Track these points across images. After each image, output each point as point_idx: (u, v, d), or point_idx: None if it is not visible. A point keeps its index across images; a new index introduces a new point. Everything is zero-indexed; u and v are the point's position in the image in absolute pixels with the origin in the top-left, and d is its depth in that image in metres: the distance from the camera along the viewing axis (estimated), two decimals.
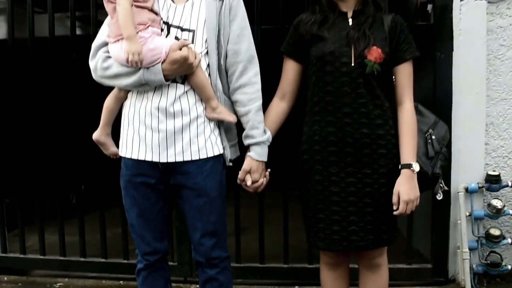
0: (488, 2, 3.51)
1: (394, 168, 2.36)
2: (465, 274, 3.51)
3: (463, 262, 3.52)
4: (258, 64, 2.37)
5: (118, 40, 2.12)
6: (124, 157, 2.31)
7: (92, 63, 2.27)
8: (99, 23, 2.58)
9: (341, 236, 2.37)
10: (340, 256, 2.54)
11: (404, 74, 2.37)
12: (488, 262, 3.53)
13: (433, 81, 3.51)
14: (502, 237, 3.52)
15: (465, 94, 3.53)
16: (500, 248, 3.58)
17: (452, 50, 3.51)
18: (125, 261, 3.90)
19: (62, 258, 3.99)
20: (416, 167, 2.33)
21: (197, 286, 3.53)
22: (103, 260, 3.94)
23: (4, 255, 4.12)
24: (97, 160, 3.68)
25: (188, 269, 3.75)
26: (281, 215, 3.70)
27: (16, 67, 3.95)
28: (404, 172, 2.33)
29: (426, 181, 2.43)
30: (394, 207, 2.34)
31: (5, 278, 4.03)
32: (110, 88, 2.36)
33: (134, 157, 2.25)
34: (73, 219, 3.95)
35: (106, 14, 2.28)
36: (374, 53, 2.27)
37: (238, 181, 2.38)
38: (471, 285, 3.50)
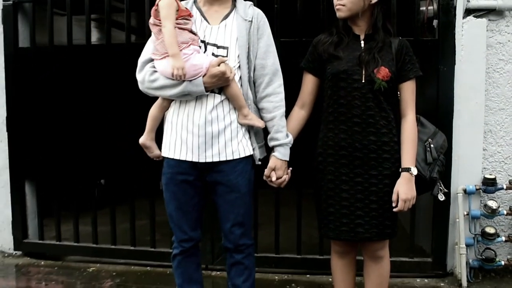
0: (488, 20, 3.80)
1: (396, 171, 2.68)
2: (461, 268, 3.78)
3: (460, 257, 3.79)
4: (281, 77, 2.72)
5: (164, 57, 2.48)
6: (167, 158, 2.66)
7: (139, 76, 2.62)
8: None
9: (349, 227, 2.69)
10: (348, 245, 2.84)
11: (408, 91, 2.71)
12: (483, 257, 3.81)
13: (436, 92, 3.77)
14: (496, 235, 3.80)
15: (465, 104, 3.80)
16: (495, 245, 3.85)
17: (454, 63, 3.78)
18: (152, 249, 4.23)
19: (94, 245, 4.33)
20: (414, 171, 2.66)
21: (218, 273, 3.92)
22: (132, 247, 4.27)
23: (41, 241, 4.48)
24: (127, 158, 4.07)
25: (210, 258, 4.05)
26: (294, 213, 4.00)
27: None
28: (403, 174, 2.66)
29: (424, 184, 2.76)
30: (394, 204, 2.66)
31: (42, 263, 4.38)
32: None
33: (177, 157, 2.61)
34: (105, 209, 4.29)
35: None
36: (382, 72, 2.61)
37: (264, 177, 2.73)
38: (467, 278, 3.78)
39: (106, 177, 4.48)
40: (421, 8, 4.24)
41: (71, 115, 4.32)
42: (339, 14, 2.69)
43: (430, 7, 4.17)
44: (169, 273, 4.06)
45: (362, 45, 2.70)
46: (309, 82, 2.84)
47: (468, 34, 3.78)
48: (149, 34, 2.73)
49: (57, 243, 4.42)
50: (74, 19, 4.22)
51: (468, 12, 3.79)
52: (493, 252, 3.82)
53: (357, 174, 2.68)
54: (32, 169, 4.44)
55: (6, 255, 4.53)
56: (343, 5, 2.65)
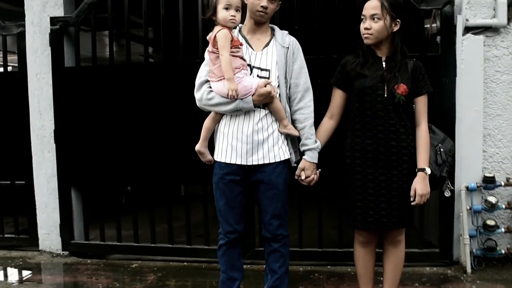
0: (485, 36, 4.26)
1: (413, 171, 3.17)
2: (466, 257, 4.23)
3: (465, 247, 4.23)
4: (312, 93, 3.23)
5: (220, 80, 3.00)
6: (219, 161, 3.17)
7: (198, 95, 3.15)
8: None
9: (374, 218, 3.16)
10: (371, 235, 3.30)
11: (421, 104, 3.21)
12: (485, 247, 4.26)
13: (440, 101, 4.19)
14: (496, 226, 4.25)
15: (466, 111, 4.25)
16: (495, 236, 4.29)
17: (455, 75, 4.24)
18: (188, 246, 4.72)
19: (135, 244, 4.81)
20: (428, 171, 3.16)
21: (248, 266, 4.34)
22: (170, 245, 4.75)
23: (86, 242, 4.97)
24: (167, 167, 4.52)
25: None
26: (315, 215, 4.45)
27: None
28: (419, 174, 3.15)
29: (435, 182, 3.25)
30: (412, 199, 3.14)
31: (88, 261, 4.86)
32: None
33: (227, 161, 3.12)
34: (143, 213, 4.75)
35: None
36: (401, 88, 3.10)
37: (296, 177, 3.22)
38: (471, 266, 4.23)
39: (146, 184, 4.91)
40: (425, 26, 4.73)
41: (112, 128, 4.74)
42: (367, 41, 3.18)
43: (434, 24, 4.65)
44: (204, 267, 4.59)
45: (384, 65, 3.19)
46: (337, 96, 3.34)
47: (467, 49, 4.24)
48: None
49: (102, 243, 4.90)
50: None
51: (467, 29, 4.25)
52: (494, 242, 4.27)
53: (380, 173, 3.16)
54: (77, 177, 4.92)
55: (54, 255, 5.01)
56: (371, 34, 3.14)
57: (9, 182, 5.20)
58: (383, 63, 3.20)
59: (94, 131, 4.83)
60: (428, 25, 4.67)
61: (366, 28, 3.14)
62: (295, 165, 3.22)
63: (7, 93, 5.11)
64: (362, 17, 3.19)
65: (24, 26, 4.97)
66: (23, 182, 5.14)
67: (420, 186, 3.12)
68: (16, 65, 5.18)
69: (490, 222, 4.25)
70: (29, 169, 5.05)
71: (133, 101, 4.71)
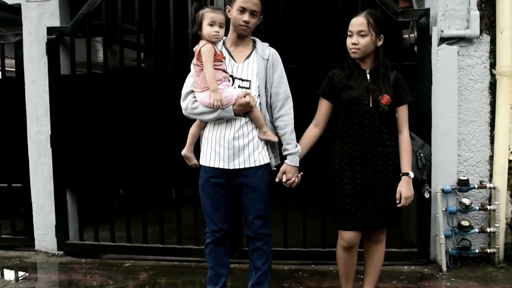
0: (460, 46, 4.49)
1: (397, 174, 3.41)
2: (442, 256, 4.45)
3: (441, 247, 4.46)
4: (291, 101, 3.46)
5: (203, 91, 3.24)
6: (204, 165, 3.40)
7: (183, 104, 3.39)
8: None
9: (363, 219, 3.38)
10: (356, 238, 3.45)
11: (403, 112, 3.46)
12: (460, 246, 4.48)
13: (417, 107, 4.38)
14: (471, 227, 4.48)
15: (441, 117, 4.48)
16: (470, 236, 4.51)
17: (431, 83, 4.48)
18: (179, 246, 4.94)
19: (128, 244, 5.03)
20: (412, 174, 3.40)
21: (235, 265, 4.55)
22: (161, 245, 4.97)
23: (81, 242, 5.18)
24: (157, 171, 4.72)
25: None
26: (299, 217, 4.66)
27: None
28: (404, 178, 3.39)
29: (416, 184, 3.48)
30: (397, 201, 3.38)
31: (83, 260, 5.07)
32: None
33: (211, 165, 3.35)
34: (137, 215, 4.98)
35: None
36: (385, 99, 3.34)
37: (277, 179, 3.45)
38: (447, 264, 4.46)
39: (138, 187, 5.14)
40: (404, 36, 4.97)
41: (106, 134, 4.96)
42: (354, 56, 3.41)
43: (412, 35, 4.89)
44: (194, 266, 4.80)
45: (368, 77, 3.43)
46: (324, 106, 3.57)
47: (442, 58, 4.47)
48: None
49: (96, 243, 5.12)
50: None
51: (442, 40, 4.48)
52: (469, 242, 4.50)
53: (368, 177, 3.39)
54: (72, 180, 5.14)
55: (50, 255, 5.22)
56: (358, 49, 3.37)
57: (6, 185, 5.41)
58: (368, 75, 3.44)
59: (88, 136, 5.05)
60: (407, 36, 4.90)
61: (353, 43, 3.37)
62: (275, 169, 3.46)
63: (5, 99, 5.34)
64: (349, 32, 3.42)
65: (21, 35, 5.19)
66: (20, 184, 5.35)
67: (405, 189, 3.37)
68: (13, 69, 5.39)
69: (465, 223, 4.48)
70: (26, 172, 5.26)
71: (125, 107, 4.92)
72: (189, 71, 3.48)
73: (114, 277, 4.60)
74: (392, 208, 3.42)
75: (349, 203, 3.41)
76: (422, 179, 3.52)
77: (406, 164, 3.41)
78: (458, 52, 4.50)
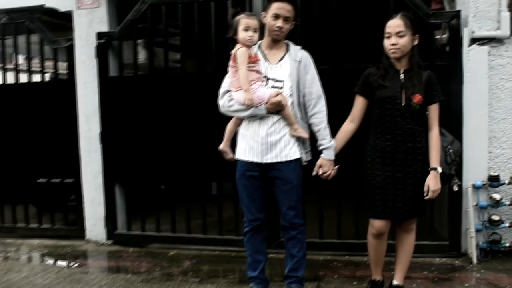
0: (490, 47, 4.61)
1: (426, 168, 3.60)
2: (472, 249, 4.59)
3: (471, 240, 4.60)
4: (324, 99, 3.70)
5: (238, 90, 3.53)
6: (239, 159, 3.69)
7: (220, 102, 3.68)
8: None
9: (392, 209, 3.59)
10: (385, 227, 3.67)
11: (434, 111, 3.63)
12: (491, 240, 4.63)
13: (448, 106, 4.48)
14: (501, 221, 4.61)
15: (472, 115, 4.62)
16: (500, 230, 4.64)
17: (462, 83, 4.62)
18: (220, 237, 5.24)
19: (172, 234, 5.36)
20: (440, 169, 3.59)
21: (273, 255, 4.78)
22: (203, 236, 5.28)
23: (128, 232, 5.55)
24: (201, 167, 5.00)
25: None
26: (334, 212, 4.88)
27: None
28: (432, 172, 3.58)
29: (445, 178, 3.67)
30: (425, 194, 3.57)
31: (130, 249, 5.43)
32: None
33: (246, 159, 3.64)
34: (180, 208, 5.31)
35: None
36: (417, 98, 3.53)
37: (314, 173, 3.69)
38: (477, 257, 4.60)
39: (180, 181, 5.47)
40: (436, 37, 5.12)
41: (150, 131, 5.30)
42: (394, 56, 3.60)
43: (444, 35, 5.04)
44: (234, 256, 5.08)
45: (402, 77, 3.62)
46: (359, 103, 3.78)
47: (473, 59, 4.61)
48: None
49: (142, 233, 5.47)
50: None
51: (473, 40, 4.61)
52: (499, 236, 4.62)
53: (398, 170, 3.60)
54: (120, 174, 5.50)
55: (99, 244, 5.60)
56: (398, 49, 3.56)
57: (59, 180, 5.81)
58: (401, 75, 3.63)
59: (135, 133, 5.39)
60: (439, 36, 5.05)
61: (393, 44, 3.57)
62: (306, 163, 3.71)
63: (57, 99, 5.72)
64: (386, 34, 3.61)
65: (72, 40, 5.57)
66: (72, 179, 5.74)
67: (432, 183, 3.55)
68: (65, 72, 5.81)
69: (495, 218, 4.61)
70: (77, 168, 5.64)
71: (169, 106, 5.24)
72: (226, 72, 3.76)
73: (160, 264, 4.91)
74: (420, 200, 3.61)
75: (379, 194, 3.62)
76: (450, 174, 3.69)
77: (434, 159, 3.59)
78: (489, 52, 4.62)
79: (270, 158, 3.58)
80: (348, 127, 3.80)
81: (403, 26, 3.54)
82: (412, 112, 3.56)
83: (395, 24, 3.57)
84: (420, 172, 3.60)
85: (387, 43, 3.61)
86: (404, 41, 3.55)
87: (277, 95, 3.51)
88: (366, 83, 3.73)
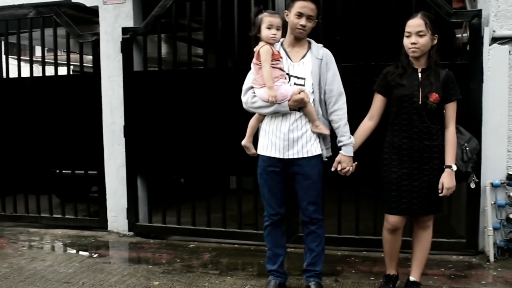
0: (511, 46, 4.62)
1: (442, 166, 3.66)
2: (490, 247, 4.63)
3: (489, 238, 4.64)
4: (344, 97, 3.76)
5: (261, 87, 3.60)
6: (261, 155, 3.76)
7: (244, 98, 3.76)
8: None
9: (407, 205, 3.66)
10: (399, 222, 3.75)
11: (451, 109, 3.69)
12: (508, 238, 4.65)
13: (468, 104, 4.54)
14: None
15: (492, 114, 4.65)
16: None
17: (482, 82, 4.64)
18: (239, 230, 5.32)
19: (193, 227, 5.47)
20: (454, 167, 3.65)
21: (292, 249, 4.87)
22: (223, 229, 5.37)
23: (149, 224, 5.67)
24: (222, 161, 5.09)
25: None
26: (352, 208, 4.93)
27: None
28: (446, 170, 3.64)
29: (461, 176, 3.74)
30: (439, 191, 3.63)
31: (151, 241, 5.55)
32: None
33: (268, 155, 3.71)
34: (200, 201, 5.41)
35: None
36: (433, 97, 3.59)
37: (333, 168, 3.76)
38: (494, 255, 4.64)
39: (201, 175, 5.59)
40: (457, 35, 5.15)
41: (173, 125, 5.40)
42: (413, 55, 3.65)
43: (465, 34, 5.06)
44: (253, 249, 5.17)
45: (420, 76, 3.68)
46: (378, 101, 3.85)
47: (494, 58, 4.63)
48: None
49: (163, 225, 5.58)
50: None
51: (494, 40, 4.63)
52: None
53: (414, 167, 3.67)
54: (143, 167, 5.62)
55: (121, 235, 5.74)
56: (418, 48, 3.62)
57: (83, 171, 5.94)
58: (419, 74, 3.69)
59: (158, 127, 5.49)
60: (460, 35, 5.08)
61: (413, 43, 3.63)
62: (326, 159, 3.78)
63: (83, 93, 5.83)
64: (406, 33, 3.66)
65: (98, 34, 5.70)
66: (95, 171, 5.87)
67: (447, 181, 3.61)
68: (90, 65, 5.93)
69: None
70: (101, 160, 5.77)
71: (191, 100, 5.34)
72: (247, 68, 3.84)
73: (180, 256, 5.02)
74: (435, 197, 3.66)
75: (395, 190, 3.69)
76: (467, 171, 3.74)
77: (449, 157, 3.65)
78: (509, 52, 4.64)
79: (291, 154, 3.66)
80: (367, 124, 3.87)
81: (423, 25, 3.59)
82: (428, 111, 3.62)
83: (415, 23, 3.62)
84: (436, 170, 3.65)
85: (407, 42, 3.66)
86: (424, 41, 3.60)
87: (299, 92, 3.58)
88: (384, 82, 3.79)
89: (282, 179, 3.76)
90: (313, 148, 3.69)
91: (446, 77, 3.67)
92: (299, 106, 3.62)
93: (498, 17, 4.64)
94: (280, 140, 3.66)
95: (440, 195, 3.63)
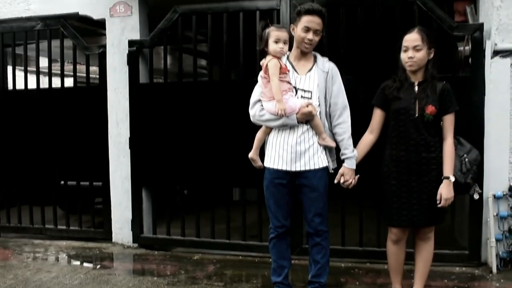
0: None
1: (440, 178, 3.71)
2: (492, 259, 4.66)
3: (491, 250, 4.66)
4: (349, 110, 3.81)
5: (270, 100, 3.64)
6: (268, 167, 3.80)
7: (251, 111, 3.80)
8: None
9: (407, 217, 3.72)
10: (402, 233, 3.82)
11: (448, 121, 3.74)
12: (511, 250, 4.68)
13: (470, 116, 4.62)
14: None
15: (494, 126, 4.69)
16: None
17: (484, 94, 4.70)
18: (243, 242, 5.35)
19: (197, 238, 5.49)
20: (452, 178, 3.69)
21: (295, 261, 4.86)
22: (227, 241, 5.40)
23: (154, 236, 5.68)
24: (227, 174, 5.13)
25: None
26: (356, 219, 4.96)
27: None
28: (444, 181, 3.69)
29: (461, 187, 3.77)
30: (438, 202, 3.67)
31: (155, 253, 5.57)
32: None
33: (275, 167, 3.75)
34: (205, 212, 5.43)
35: None
36: (430, 109, 3.64)
37: (336, 181, 3.81)
38: (497, 267, 4.66)
39: (206, 187, 5.62)
40: (459, 48, 5.21)
41: (178, 137, 5.45)
42: (410, 69, 3.73)
43: (467, 47, 5.12)
44: (257, 261, 5.19)
45: (416, 89, 3.75)
46: (377, 115, 3.92)
47: (495, 70, 4.69)
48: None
49: (167, 237, 5.61)
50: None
51: (496, 53, 4.69)
52: None
53: (412, 180, 3.73)
54: (148, 179, 5.65)
55: (126, 247, 5.76)
56: (415, 62, 3.69)
57: (88, 183, 5.97)
58: (416, 87, 3.76)
59: (163, 139, 5.54)
60: (462, 48, 5.14)
61: (410, 57, 3.70)
62: (333, 171, 3.82)
63: (89, 104, 5.88)
64: (404, 48, 3.75)
65: (104, 46, 5.76)
66: (100, 183, 5.90)
67: (445, 191, 3.66)
68: (96, 76, 6.00)
69: None
70: (106, 171, 5.81)
71: (196, 113, 5.39)
72: (251, 81, 3.91)
73: (184, 267, 5.04)
74: (436, 209, 3.70)
75: (395, 202, 3.75)
76: (466, 182, 3.77)
77: (447, 168, 3.70)
78: (511, 64, 4.70)
79: (299, 166, 3.70)
80: (368, 138, 3.94)
81: (420, 40, 3.68)
82: (425, 123, 3.68)
83: (412, 38, 3.72)
84: (435, 181, 3.71)
85: (404, 56, 3.75)
86: (421, 55, 3.68)
87: (307, 105, 3.63)
88: (383, 95, 3.87)
89: (289, 192, 3.80)
90: (319, 160, 3.74)
91: (443, 90, 3.73)
92: (307, 119, 3.67)
93: (499, 31, 4.70)
94: (288, 152, 3.70)
95: (439, 206, 3.67)
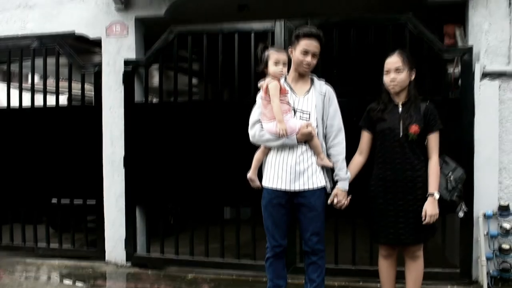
0: (501, 81, 4.82)
1: (425, 195, 3.79)
2: (483, 277, 4.73)
3: (482, 268, 4.74)
4: (344, 132, 3.90)
5: (270, 121, 3.71)
6: (267, 187, 3.85)
7: (251, 132, 3.86)
8: None
9: (394, 235, 3.81)
10: (391, 249, 3.93)
11: (432, 140, 3.84)
12: (501, 268, 4.76)
13: (460, 138, 4.75)
14: (511, 250, 4.74)
15: (483, 147, 4.80)
16: (511, 259, 4.76)
17: (474, 115, 4.81)
18: (237, 261, 5.37)
19: (191, 258, 5.50)
20: (437, 195, 3.78)
21: (289, 280, 4.92)
22: (221, 259, 5.42)
23: (147, 255, 5.69)
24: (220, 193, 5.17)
25: None
26: (348, 238, 5.04)
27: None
28: (429, 198, 3.78)
29: (446, 205, 3.86)
30: (423, 219, 3.75)
31: (149, 272, 5.58)
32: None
33: (274, 187, 3.80)
34: (201, 229, 5.45)
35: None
36: (413, 128, 3.75)
37: (329, 202, 3.88)
38: (488, 285, 4.73)
39: (199, 206, 5.66)
40: (449, 71, 5.33)
41: (172, 156, 5.50)
42: (393, 90, 3.86)
43: (457, 69, 5.23)
44: (251, 280, 5.22)
45: (400, 110, 3.86)
46: (365, 136, 4.04)
47: (484, 92, 4.82)
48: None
49: (161, 256, 5.62)
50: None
51: (484, 75, 4.82)
52: (509, 264, 4.76)
53: (399, 198, 3.82)
54: (142, 197, 5.67)
55: (119, 266, 5.75)
56: (397, 84, 3.82)
57: (81, 201, 5.97)
58: (400, 108, 3.87)
59: (157, 158, 5.58)
60: (451, 70, 5.26)
61: (392, 80, 3.84)
62: (330, 191, 3.88)
63: (84, 123, 5.91)
64: (386, 71, 3.89)
65: (100, 65, 5.81)
66: (94, 201, 5.91)
67: (430, 208, 3.75)
68: (91, 94, 6.02)
69: (505, 246, 4.76)
70: (100, 189, 5.82)
71: (191, 132, 5.44)
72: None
73: (179, 287, 5.06)
74: (422, 226, 3.78)
75: (382, 220, 3.85)
76: (452, 200, 3.88)
77: (432, 186, 3.79)
78: (499, 87, 4.83)
79: (297, 186, 3.76)
80: (358, 159, 4.05)
81: (400, 62, 3.83)
82: (410, 142, 3.79)
83: (393, 60, 3.86)
84: (420, 200, 3.80)
85: (386, 79, 3.89)
86: (402, 76, 3.82)
87: (307, 126, 3.71)
88: (368, 118, 4.00)
89: (287, 212, 3.85)
90: (318, 180, 3.80)
91: (426, 110, 3.85)
92: (306, 139, 3.74)
93: (488, 53, 4.84)
94: (287, 172, 3.76)
95: (424, 222, 3.75)
